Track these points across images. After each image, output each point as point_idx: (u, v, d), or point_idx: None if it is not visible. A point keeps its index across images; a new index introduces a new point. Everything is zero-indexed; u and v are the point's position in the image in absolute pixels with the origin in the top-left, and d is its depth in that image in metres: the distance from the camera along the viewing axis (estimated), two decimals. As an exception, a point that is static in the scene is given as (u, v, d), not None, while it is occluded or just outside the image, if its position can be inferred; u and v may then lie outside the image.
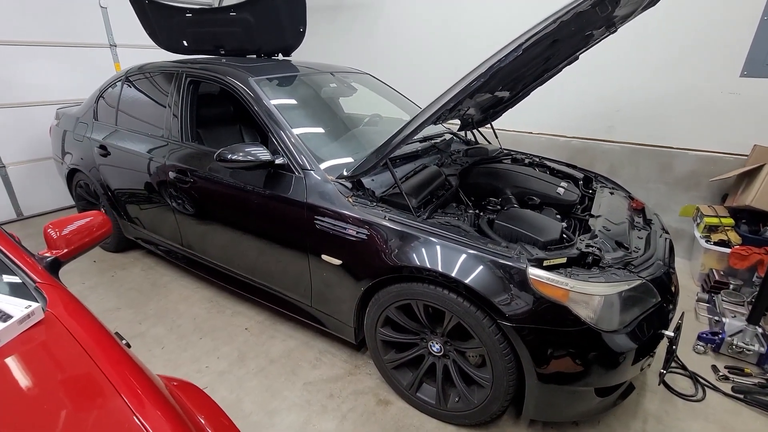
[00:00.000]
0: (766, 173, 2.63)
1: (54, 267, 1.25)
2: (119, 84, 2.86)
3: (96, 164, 2.92)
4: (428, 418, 1.81)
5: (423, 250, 1.57)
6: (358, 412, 1.85)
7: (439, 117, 1.62)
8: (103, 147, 2.82)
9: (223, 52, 2.85)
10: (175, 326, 2.40)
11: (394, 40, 4.38)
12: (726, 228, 2.77)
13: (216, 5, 2.58)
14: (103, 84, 2.99)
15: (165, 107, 2.52)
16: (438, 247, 1.55)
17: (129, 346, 1.15)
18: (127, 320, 2.46)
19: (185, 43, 2.84)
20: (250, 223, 2.14)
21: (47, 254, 1.28)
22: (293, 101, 2.38)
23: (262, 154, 1.90)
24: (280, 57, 3.00)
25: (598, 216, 1.89)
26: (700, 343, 2.22)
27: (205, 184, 2.24)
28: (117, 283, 2.86)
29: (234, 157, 1.87)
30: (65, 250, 1.31)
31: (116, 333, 1.18)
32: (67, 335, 0.96)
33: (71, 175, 3.24)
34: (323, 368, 2.09)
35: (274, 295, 2.23)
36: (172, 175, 2.38)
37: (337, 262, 1.80)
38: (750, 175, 2.78)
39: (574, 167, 2.62)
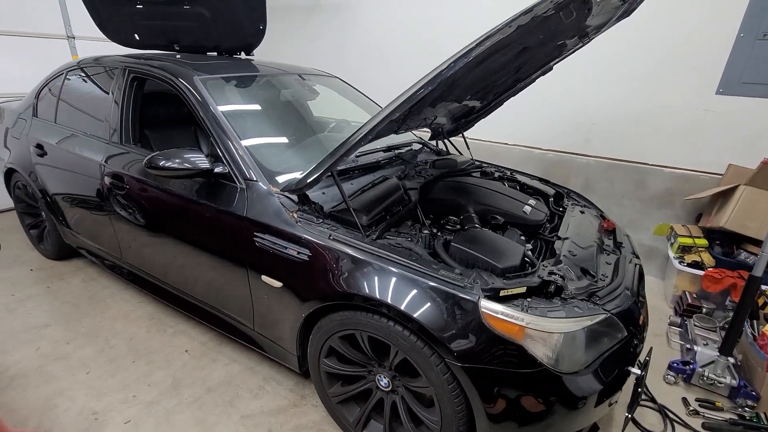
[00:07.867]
0: (741, 194, 2.55)
1: None
2: (60, 79, 2.63)
3: (32, 164, 2.67)
4: (375, 459, 1.63)
5: (368, 275, 1.40)
6: (299, 451, 1.66)
7: (387, 128, 1.45)
8: (39, 146, 2.58)
9: (177, 48, 2.65)
10: (107, 347, 2.17)
11: (369, 43, 4.23)
12: (699, 249, 2.68)
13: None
14: (44, 79, 2.75)
15: (106, 105, 2.30)
16: (384, 273, 1.38)
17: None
18: (54, 339, 2.21)
19: (136, 36, 2.62)
20: (189, 236, 1.93)
21: None
22: (246, 104, 2.19)
23: (201, 161, 1.71)
24: (242, 56, 2.81)
25: (565, 238, 1.75)
26: (671, 373, 2.10)
27: (142, 191, 2.03)
28: (51, 296, 2.60)
29: (168, 165, 1.68)
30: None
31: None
32: None
33: (9, 175, 2.98)
34: (265, 398, 1.89)
35: (215, 315, 2.03)
36: (108, 180, 2.16)
37: (278, 284, 1.61)
38: (724, 196, 2.70)
39: (546, 182, 2.50)
